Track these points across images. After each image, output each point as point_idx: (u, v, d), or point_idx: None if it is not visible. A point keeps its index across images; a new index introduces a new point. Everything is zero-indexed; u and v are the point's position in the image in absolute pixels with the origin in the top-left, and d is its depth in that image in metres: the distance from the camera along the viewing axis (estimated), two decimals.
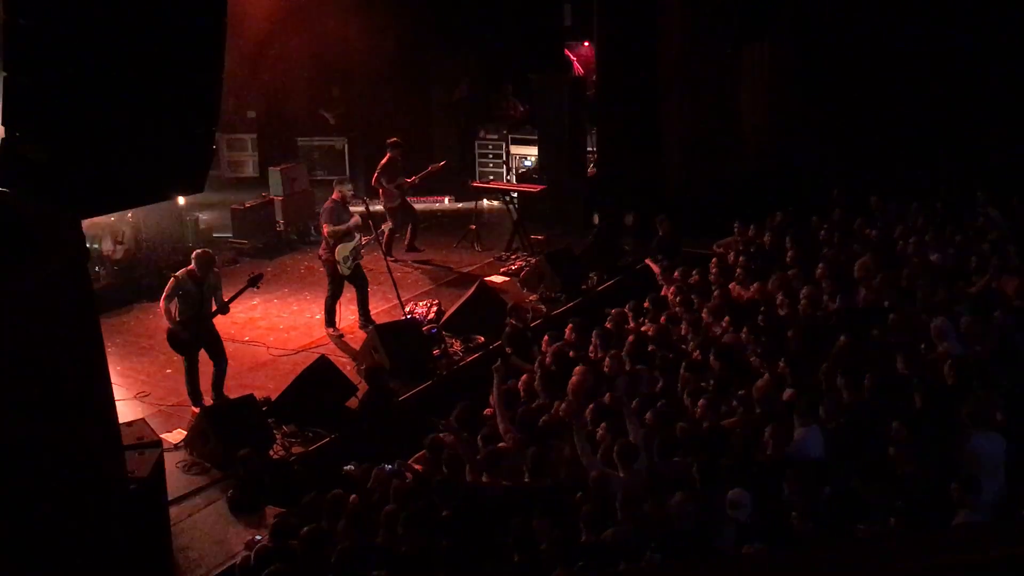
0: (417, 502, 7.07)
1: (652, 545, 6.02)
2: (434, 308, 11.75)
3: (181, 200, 13.70)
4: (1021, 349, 8.33)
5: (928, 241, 11.02)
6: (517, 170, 16.78)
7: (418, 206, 15.13)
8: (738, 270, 11.16)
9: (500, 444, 7.89)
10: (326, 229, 11.48)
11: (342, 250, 11.39)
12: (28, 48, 5.65)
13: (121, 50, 5.85)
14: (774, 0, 14.27)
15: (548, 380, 8.87)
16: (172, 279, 9.69)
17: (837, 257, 10.99)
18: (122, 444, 7.37)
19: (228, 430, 8.95)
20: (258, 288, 10.34)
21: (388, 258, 12.74)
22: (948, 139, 13.83)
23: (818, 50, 14.49)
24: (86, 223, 11.69)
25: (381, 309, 12.09)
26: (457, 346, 11.16)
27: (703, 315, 9.99)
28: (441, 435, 8.22)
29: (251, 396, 9.53)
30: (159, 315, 10.16)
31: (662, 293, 11.16)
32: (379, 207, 13.91)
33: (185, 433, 9.29)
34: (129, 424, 8.07)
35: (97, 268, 12.42)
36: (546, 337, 9.96)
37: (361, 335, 11.31)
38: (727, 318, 9.64)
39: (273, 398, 9.72)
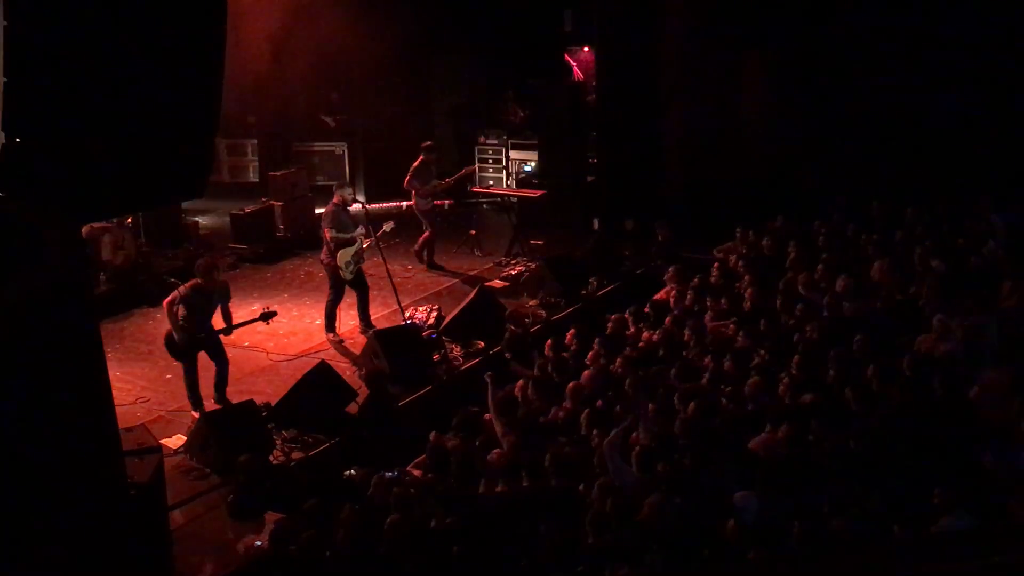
0: (418, 510, 7.05)
1: (653, 548, 6.00)
2: (434, 313, 11.74)
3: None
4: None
5: (929, 247, 11.00)
6: (517, 175, 16.78)
7: None
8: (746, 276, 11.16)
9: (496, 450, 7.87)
10: (328, 233, 11.48)
11: (344, 255, 11.38)
12: (28, 53, 5.65)
13: (121, 56, 5.86)
14: (774, 6, 14.30)
15: (546, 386, 8.86)
16: (175, 293, 9.67)
17: (839, 262, 10.98)
18: (122, 449, 7.35)
19: (228, 435, 8.94)
20: (268, 324, 10.37)
21: (421, 265, 13.49)
22: (951, 144, 13.81)
23: (819, 56, 14.49)
24: (86, 228, 11.83)
25: (381, 314, 12.09)
26: (457, 351, 11.14)
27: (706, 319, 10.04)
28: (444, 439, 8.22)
29: (251, 401, 9.53)
30: (159, 321, 10.15)
31: (662, 296, 11.18)
32: (376, 206, 13.87)
33: (185, 438, 9.29)
34: (129, 429, 8.04)
35: (98, 273, 12.39)
36: (549, 342, 9.97)
37: (361, 340, 11.30)
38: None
39: (273, 403, 9.71)
